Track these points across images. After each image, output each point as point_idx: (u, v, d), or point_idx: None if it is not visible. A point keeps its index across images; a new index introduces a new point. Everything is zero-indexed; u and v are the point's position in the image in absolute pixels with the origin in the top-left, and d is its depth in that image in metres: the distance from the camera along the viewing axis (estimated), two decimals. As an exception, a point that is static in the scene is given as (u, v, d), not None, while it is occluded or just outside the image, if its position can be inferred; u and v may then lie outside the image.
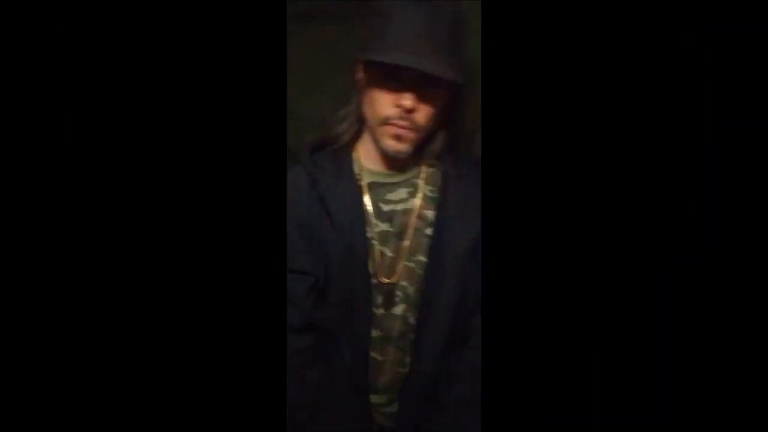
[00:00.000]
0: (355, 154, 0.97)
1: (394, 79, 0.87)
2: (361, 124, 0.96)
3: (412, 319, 0.94)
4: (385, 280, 0.94)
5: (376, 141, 0.93)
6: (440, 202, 0.95)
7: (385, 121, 0.89)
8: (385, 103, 0.88)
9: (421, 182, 0.96)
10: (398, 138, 0.89)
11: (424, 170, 0.97)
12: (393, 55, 0.84)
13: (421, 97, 0.88)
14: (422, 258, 0.94)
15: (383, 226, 0.94)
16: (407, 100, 0.86)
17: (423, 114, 0.89)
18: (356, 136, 0.98)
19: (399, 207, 0.95)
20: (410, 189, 0.96)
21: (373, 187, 0.96)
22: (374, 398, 0.96)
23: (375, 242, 0.94)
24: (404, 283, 0.94)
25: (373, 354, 0.94)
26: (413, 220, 0.94)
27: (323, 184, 0.94)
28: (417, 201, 0.95)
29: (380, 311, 0.94)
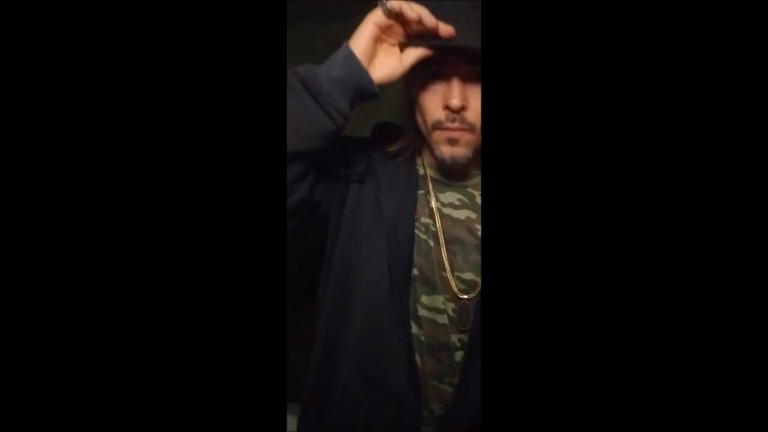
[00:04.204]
0: (418, 161, 0.93)
1: (441, 76, 0.82)
2: (418, 136, 0.91)
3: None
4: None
5: (432, 151, 0.87)
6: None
7: (437, 126, 0.84)
8: (434, 107, 0.83)
9: (474, 191, 0.89)
10: (453, 142, 0.84)
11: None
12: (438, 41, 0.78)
13: (470, 93, 0.82)
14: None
15: (428, 222, 0.89)
16: (455, 98, 0.80)
17: (475, 112, 0.82)
18: (417, 148, 0.93)
19: (445, 211, 0.89)
20: (462, 196, 0.90)
21: (429, 182, 0.90)
22: None
23: (422, 234, 0.88)
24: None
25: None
26: (462, 233, 0.88)
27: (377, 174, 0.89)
28: (466, 212, 0.88)
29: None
